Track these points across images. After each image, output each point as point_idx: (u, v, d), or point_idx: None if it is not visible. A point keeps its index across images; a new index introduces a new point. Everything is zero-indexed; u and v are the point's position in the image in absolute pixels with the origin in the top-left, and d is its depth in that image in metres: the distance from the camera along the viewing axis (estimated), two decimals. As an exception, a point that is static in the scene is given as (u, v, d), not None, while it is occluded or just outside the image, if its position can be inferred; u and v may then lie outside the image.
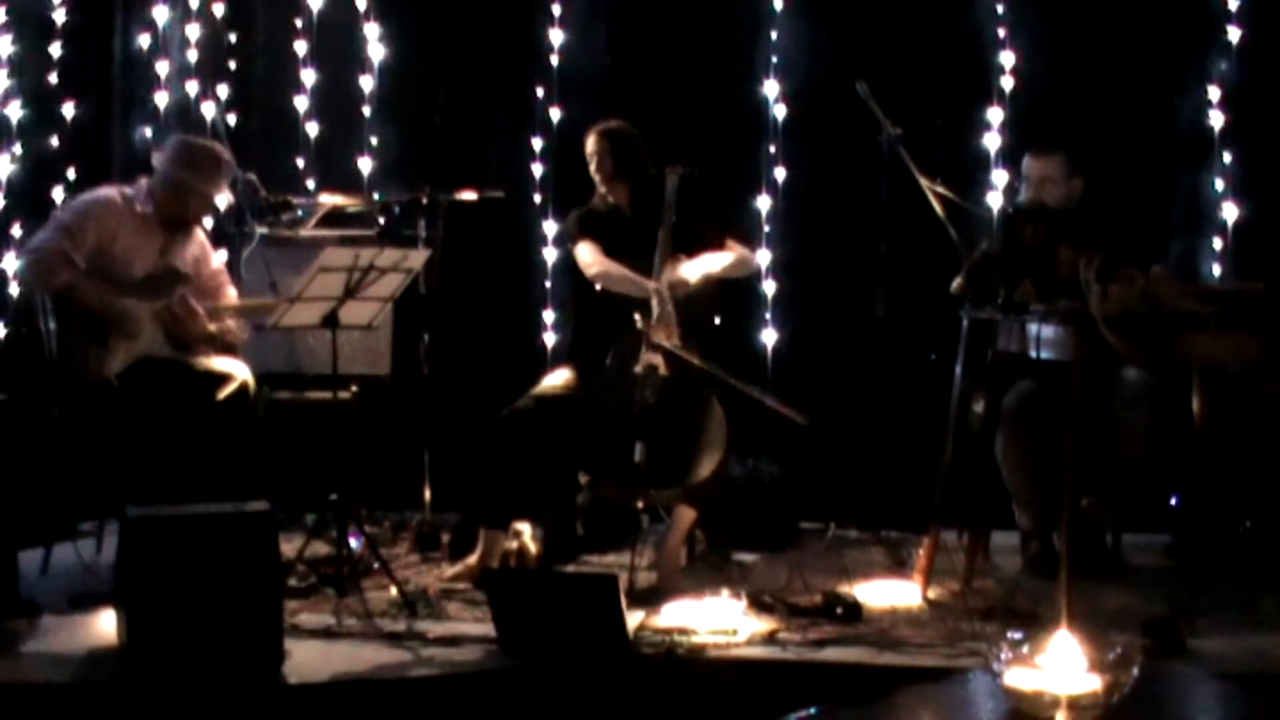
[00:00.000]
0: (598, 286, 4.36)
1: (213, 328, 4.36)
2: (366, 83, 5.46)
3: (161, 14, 5.39)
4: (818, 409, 5.14)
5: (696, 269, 4.26)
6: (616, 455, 3.99)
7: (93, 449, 4.28)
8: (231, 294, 4.55)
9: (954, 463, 4.17)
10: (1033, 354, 3.87)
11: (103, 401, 4.16)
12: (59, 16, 5.30)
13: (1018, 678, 2.24)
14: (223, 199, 4.52)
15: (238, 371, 4.23)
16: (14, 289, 5.07)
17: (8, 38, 5.22)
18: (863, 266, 5.11)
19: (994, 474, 4.32)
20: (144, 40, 5.39)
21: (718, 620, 3.72)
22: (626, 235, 4.39)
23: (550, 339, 5.37)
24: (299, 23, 5.46)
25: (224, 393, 4.17)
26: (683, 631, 3.64)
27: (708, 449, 4.03)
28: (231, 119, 5.41)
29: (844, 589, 3.96)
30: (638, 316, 4.14)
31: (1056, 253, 4.18)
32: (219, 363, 4.25)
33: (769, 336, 5.31)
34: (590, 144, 4.45)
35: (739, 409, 4.08)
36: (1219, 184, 5.08)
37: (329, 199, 5.00)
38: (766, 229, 5.27)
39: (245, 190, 4.67)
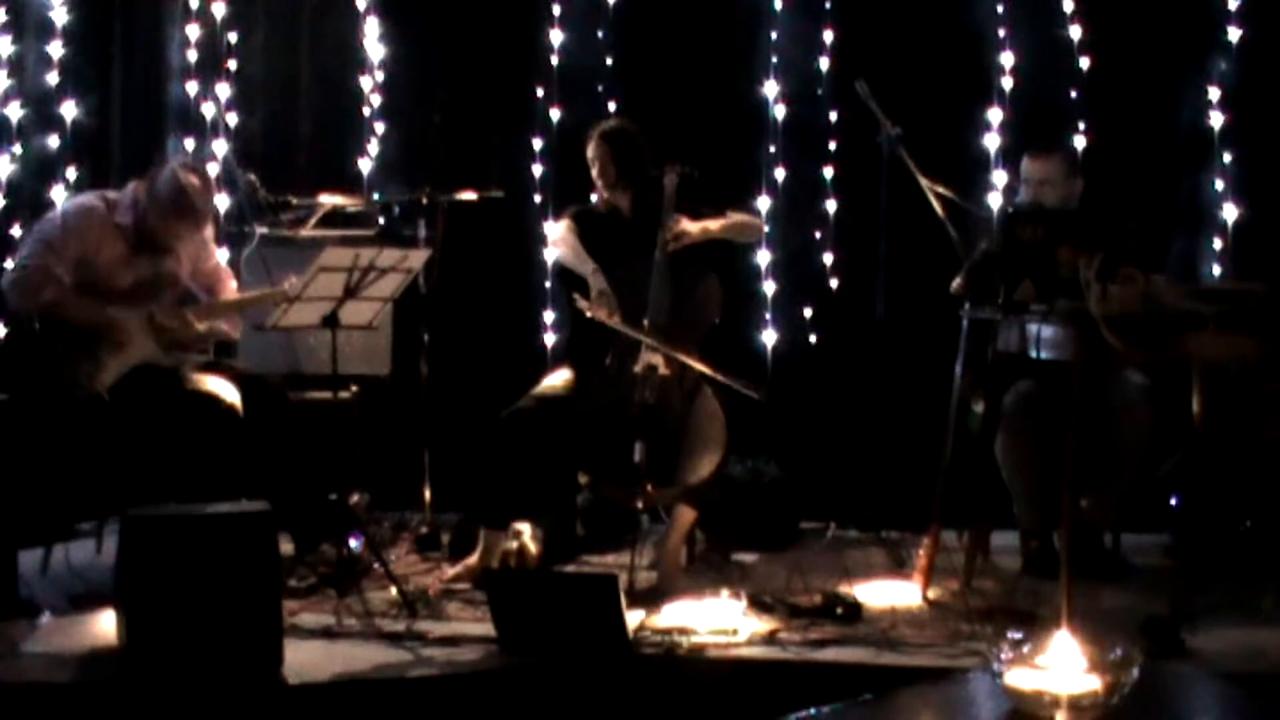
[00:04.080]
0: (558, 255, 4.43)
1: (202, 327, 4.35)
2: (366, 83, 5.46)
3: (162, 14, 5.38)
4: (818, 409, 5.18)
5: (698, 223, 4.28)
6: (616, 455, 3.99)
7: (86, 458, 4.28)
8: (232, 287, 4.54)
9: (954, 463, 4.17)
10: (1033, 354, 3.87)
11: (93, 416, 4.15)
12: (59, 16, 5.29)
13: (1018, 678, 2.24)
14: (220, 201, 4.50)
15: (226, 394, 4.20)
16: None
17: (8, 38, 5.21)
18: (863, 266, 5.12)
19: (994, 474, 4.31)
20: (144, 40, 5.39)
21: (718, 620, 3.72)
22: (626, 238, 4.39)
23: (550, 339, 5.37)
24: (299, 23, 5.45)
25: (211, 415, 4.15)
26: (683, 631, 3.64)
27: (707, 449, 4.03)
28: (231, 119, 5.40)
29: (844, 589, 3.96)
30: (576, 295, 4.16)
31: (1056, 253, 4.17)
32: (212, 383, 4.22)
33: (769, 336, 5.32)
34: (591, 150, 4.45)
35: (738, 408, 4.08)
36: (1219, 184, 5.08)
37: (329, 199, 5.00)
38: (766, 229, 5.27)
39: (245, 190, 4.67)
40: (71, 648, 3.56)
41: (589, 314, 4.13)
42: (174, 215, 4.21)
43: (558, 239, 4.44)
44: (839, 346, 5.28)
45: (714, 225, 4.33)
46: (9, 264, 5.02)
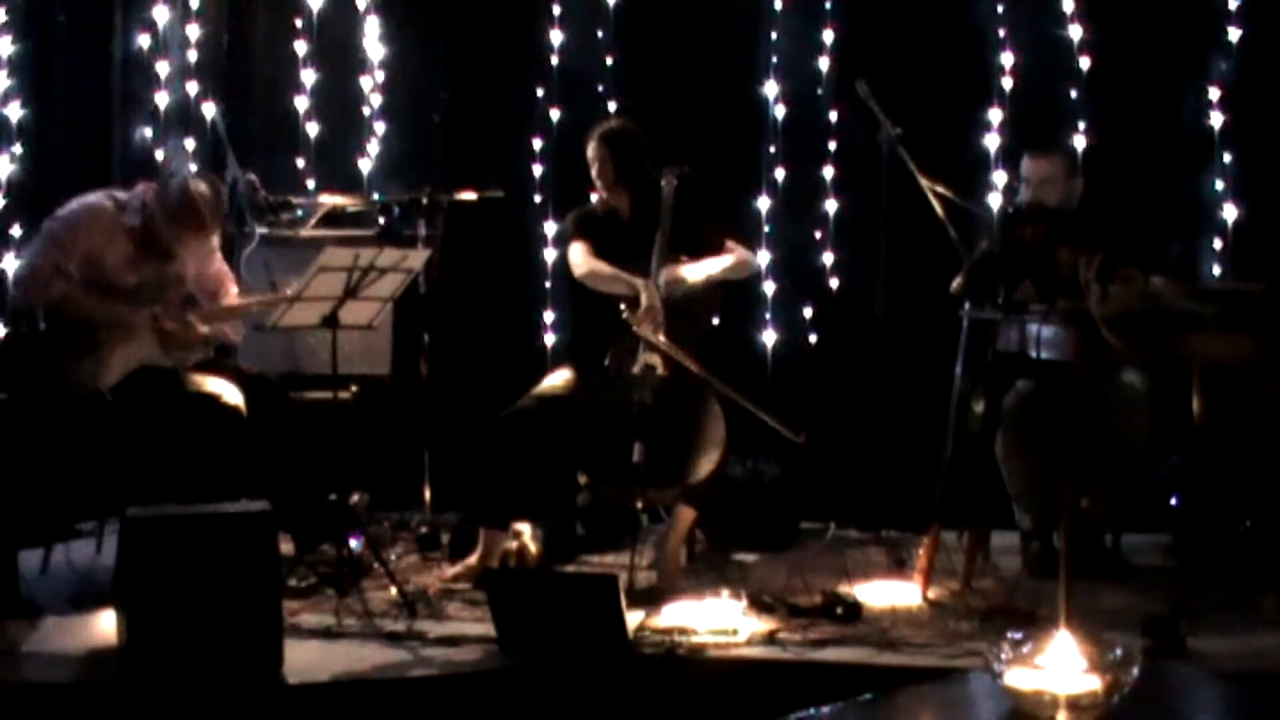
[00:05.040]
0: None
1: (204, 330, 4.35)
2: (366, 83, 5.46)
3: (161, 14, 5.38)
4: (818, 409, 5.18)
5: (696, 270, 4.26)
6: (615, 456, 3.99)
7: (87, 457, 4.28)
8: (234, 293, 4.54)
9: (954, 463, 4.17)
10: (1033, 354, 3.87)
11: (96, 414, 4.15)
12: (59, 16, 5.29)
13: (1018, 678, 2.24)
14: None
15: (227, 394, 4.20)
16: (11, 293, 5.05)
17: (8, 38, 5.21)
18: (863, 266, 5.12)
19: (994, 474, 4.32)
20: (144, 40, 5.39)
21: (718, 620, 3.72)
22: (625, 238, 4.39)
23: (550, 339, 5.37)
24: (299, 23, 5.45)
25: (213, 414, 4.15)
26: (683, 631, 3.64)
27: (706, 449, 4.03)
28: (231, 119, 5.40)
29: (844, 589, 3.96)
30: (623, 307, 4.14)
31: (1056, 253, 4.18)
32: (214, 384, 4.22)
33: (769, 336, 5.32)
34: (591, 149, 4.45)
35: (737, 408, 4.08)
36: (1219, 184, 5.09)
37: (329, 199, 4.99)
38: (766, 229, 5.27)
39: (245, 190, 4.67)
40: (71, 648, 3.57)
41: (636, 329, 4.10)
42: (181, 224, 4.22)
43: (587, 273, 4.32)
44: (839, 346, 5.28)
45: (715, 270, 4.29)
46: (8, 263, 5.05)
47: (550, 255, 5.33)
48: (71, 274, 4.13)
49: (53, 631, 3.71)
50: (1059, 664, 2.24)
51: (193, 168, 5.29)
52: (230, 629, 3.32)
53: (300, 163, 5.45)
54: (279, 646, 3.39)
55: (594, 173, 4.46)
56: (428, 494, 4.85)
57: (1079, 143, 5.09)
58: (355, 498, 4.65)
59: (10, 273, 4.20)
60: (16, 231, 5.04)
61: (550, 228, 5.31)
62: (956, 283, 4.37)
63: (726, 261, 4.33)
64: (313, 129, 5.46)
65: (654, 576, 4.21)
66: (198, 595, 3.30)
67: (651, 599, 3.95)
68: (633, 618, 3.63)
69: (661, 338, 4.11)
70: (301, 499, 4.26)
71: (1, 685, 3.32)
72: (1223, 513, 4.32)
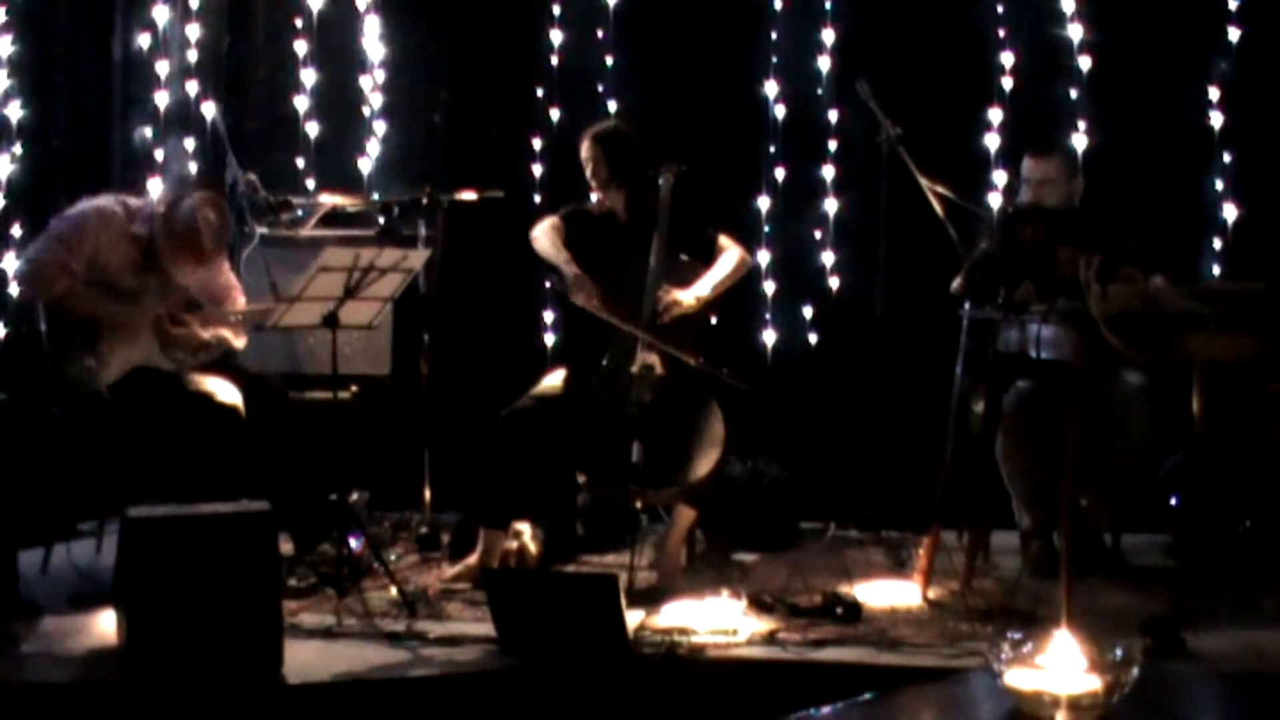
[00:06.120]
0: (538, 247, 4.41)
1: (206, 335, 4.35)
2: (366, 83, 5.46)
3: (161, 14, 5.39)
4: (818, 408, 5.19)
5: (692, 293, 4.24)
6: (614, 455, 3.99)
7: (87, 457, 4.28)
8: (241, 303, 4.53)
9: (954, 463, 4.17)
10: (1033, 354, 3.87)
11: (95, 414, 4.15)
12: (59, 16, 5.29)
13: (1018, 678, 2.24)
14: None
15: (230, 395, 4.20)
16: (14, 289, 5.06)
17: (8, 38, 5.21)
18: (863, 266, 5.12)
19: (994, 474, 4.32)
20: (144, 40, 5.39)
21: (718, 620, 3.72)
22: (622, 238, 4.38)
23: (550, 339, 5.37)
24: (299, 23, 5.45)
25: (212, 414, 4.15)
26: (683, 631, 3.64)
27: (705, 448, 4.03)
28: (231, 119, 5.40)
29: (844, 589, 3.96)
30: (549, 281, 4.15)
31: (1056, 253, 4.18)
32: (212, 384, 4.22)
33: (769, 336, 5.32)
34: (584, 150, 4.44)
35: (737, 408, 4.08)
36: (1219, 184, 5.09)
37: (329, 199, 4.99)
38: (766, 229, 5.27)
39: (245, 190, 4.67)
40: (71, 648, 3.57)
41: (574, 300, 4.13)
42: (180, 251, 4.21)
43: (539, 232, 4.40)
44: (839, 346, 5.28)
45: (706, 291, 4.26)
46: (8, 263, 5.05)
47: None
48: (76, 272, 4.14)
49: (53, 631, 3.71)
50: (1059, 664, 2.24)
51: (193, 168, 5.31)
52: (230, 629, 3.32)
53: (300, 163, 5.45)
54: (279, 646, 3.39)
55: (588, 173, 4.46)
56: (428, 494, 4.85)
57: (1079, 143, 5.10)
58: (355, 497, 4.65)
59: (11, 271, 4.18)
60: (16, 231, 5.04)
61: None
62: (956, 283, 4.37)
63: (720, 274, 4.30)
64: (313, 129, 5.46)
65: (654, 576, 4.21)
66: (198, 595, 3.30)
67: (651, 599, 3.95)
68: (633, 618, 3.63)
69: (596, 304, 4.12)
70: (301, 499, 4.26)
71: (2, 685, 3.32)
72: (1223, 513, 4.32)
